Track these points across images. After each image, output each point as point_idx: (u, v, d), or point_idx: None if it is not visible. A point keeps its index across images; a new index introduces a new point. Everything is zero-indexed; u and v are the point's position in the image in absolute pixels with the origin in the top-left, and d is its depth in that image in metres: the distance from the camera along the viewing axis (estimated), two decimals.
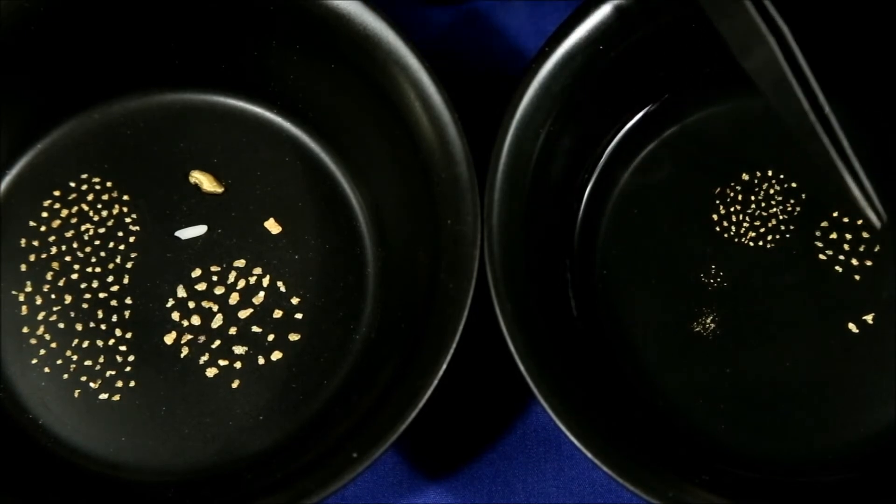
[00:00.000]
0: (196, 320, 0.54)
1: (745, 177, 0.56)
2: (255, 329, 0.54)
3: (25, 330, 0.54)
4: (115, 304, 0.54)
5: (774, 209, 0.55)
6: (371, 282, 0.54)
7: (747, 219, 0.55)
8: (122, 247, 0.55)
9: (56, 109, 0.56)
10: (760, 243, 0.55)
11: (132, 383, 0.53)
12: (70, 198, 0.55)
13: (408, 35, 0.51)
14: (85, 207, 0.55)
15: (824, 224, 0.55)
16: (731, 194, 0.56)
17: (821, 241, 0.55)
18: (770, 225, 0.55)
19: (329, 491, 0.46)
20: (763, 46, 0.47)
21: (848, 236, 0.55)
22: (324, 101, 0.55)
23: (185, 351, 0.53)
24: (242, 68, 0.56)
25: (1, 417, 0.52)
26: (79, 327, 0.54)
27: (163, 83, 0.56)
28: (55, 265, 0.55)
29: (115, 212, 0.55)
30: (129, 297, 0.54)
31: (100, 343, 0.54)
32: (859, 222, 0.55)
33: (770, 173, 0.56)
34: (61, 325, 0.54)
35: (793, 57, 0.48)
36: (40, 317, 0.54)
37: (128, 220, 0.55)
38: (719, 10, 0.48)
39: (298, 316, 0.54)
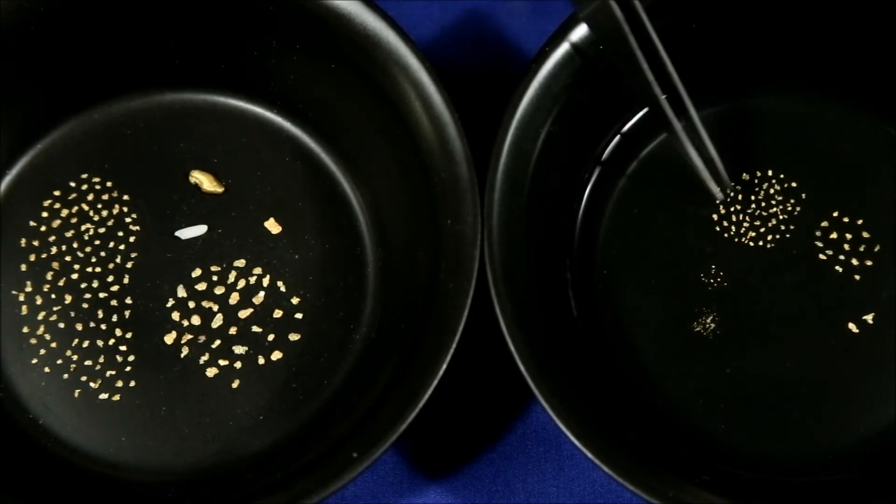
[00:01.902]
0: (196, 320, 0.54)
1: (745, 177, 0.56)
2: (255, 329, 0.54)
3: (25, 330, 0.54)
4: (115, 304, 0.54)
5: (774, 209, 0.55)
6: (371, 282, 0.54)
7: (747, 219, 0.55)
8: (122, 247, 0.55)
9: (56, 109, 0.56)
10: (760, 243, 0.55)
11: (132, 383, 0.53)
12: (70, 198, 0.56)
13: (408, 35, 0.51)
14: (85, 207, 0.55)
15: (824, 224, 0.55)
16: (732, 194, 0.56)
17: (821, 241, 0.55)
18: (770, 225, 0.55)
19: (329, 491, 0.46)
20: (605, 8, 0.48)
21: (848, 236, 0.55)
22: (324, 101, 0.55)
23: (185, 351, 0.53)
24: (242, 68, 0.56)
25: (1, 417, 0.52)
26: (79, 327, 0.54)
27: (163, 83, 0.56)
28: (55, 265, 0.55)
29: (115, 212, 0.55)
30: (129, 297, 0.54)
31: (100, 343, 0.54)
32: (859, 222, 0.55)
33: (770, 173, 0.56)
34: (61, 325, 0.54)
35: (636, 16, 0.49)
36: (40, 317, 0.54)
37: (128, 220, 0.55)
38: None
39: (298, 316, 0.54)
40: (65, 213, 0.55)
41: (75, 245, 0.55)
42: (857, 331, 0.53)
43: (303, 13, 0.52)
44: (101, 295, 0.54)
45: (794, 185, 0.56)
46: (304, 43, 0.53)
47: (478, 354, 0.54)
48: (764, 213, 0.55)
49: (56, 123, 0.56)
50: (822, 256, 0.54)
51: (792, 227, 0.55)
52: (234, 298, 0.54)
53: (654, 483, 0.47)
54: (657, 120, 0.52)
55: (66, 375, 0.53)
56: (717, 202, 0.54)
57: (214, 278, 0.55)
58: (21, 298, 0.54)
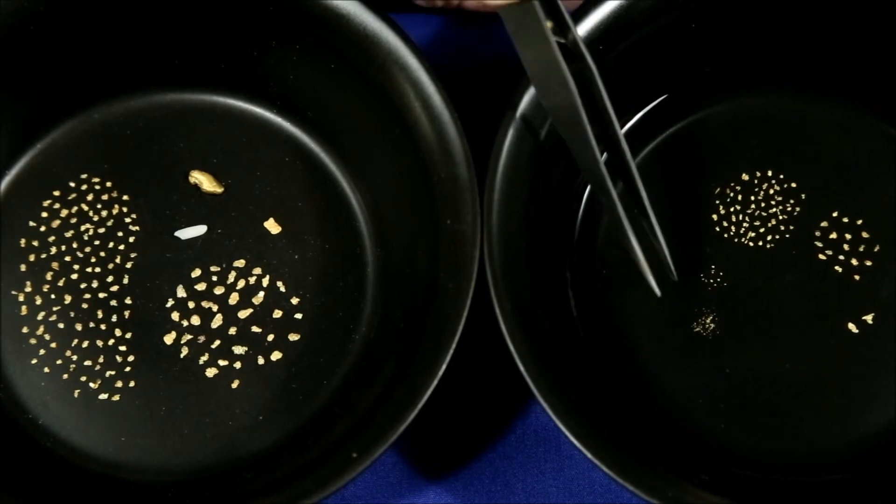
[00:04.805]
0: (196, 320, 0.54)
1: (745, 177, 0.56)
2: (255, 329, 0.54)
3: (25, 330, 0.54)
4: (115, 304, 0.54)
5: (774, 209, 0.55)
6: (371, 282, 0.54)
7: (747, 219, 0.55)
8: (122, 247, 0.55)
9: (56, 109, 0.56)
10: (760, 243, 0.55)
11: (132, 383, 0.53)
12: (70, 198, 0.56)
13: (407, 35, 0.51)
14: (85, 207, 0.55)
15: (824, 224, 0.55)
16: (731, 194, 0.56)
17: (821, 241, 0.55)
18: (770, 225, 0.55)
19: (329, 490, 0.46)
20: (562, 87, 0.47)
21: (848, 236, 0.55)
22: (323, 101, 0.55)
23: (184, 351, 0.53)
24: (242, 68, 0.56)
25: (1, 417, 0.52)
26: (79, 327, 0.54)
27: (163, 83, 0.57)
28: (55, 265, 0.55)
29: (115, 212, 0.55)
30: (129, 297, 0.54)
31: (100, 343, 0.54)
32: (859, 222, 0.55)
33: (770, 173, 0.56)
34: (61, 325, 0.54)
35: (597, 99, 0.48)
36: (40, 317, 0.54)
37: (128, 220, 0.55)
38: (524, 41, 0.47)
39: (298, 316, 0.54)
40: (64, 213, 0.55)
41: (75, 245, 0.55)
42: (857, 331, 0.53)
43: (302, 13, 0.52)
44: (101, 295, 0.54)
45: (793, 185, 0.56)
46: (304, 43, 0.53)
47: (478, 354, 0.54)
48: (764, 214, 0.55)
49: (56, 123, 0.56)
50: (821, 256, 0.54)
51: (792, 227, 0.55)
52: (234, 298, 0.54)
53: (654, 483, 0.47)
54: (602, 204, 0.50)
55: (65, 375, 0.53)
56: (657, 296, 0.52)
57: (214, 278, 0.55)
58: (21, 298, 0.54)
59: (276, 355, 0.53)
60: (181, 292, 0.54)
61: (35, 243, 0.55)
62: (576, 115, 0.47)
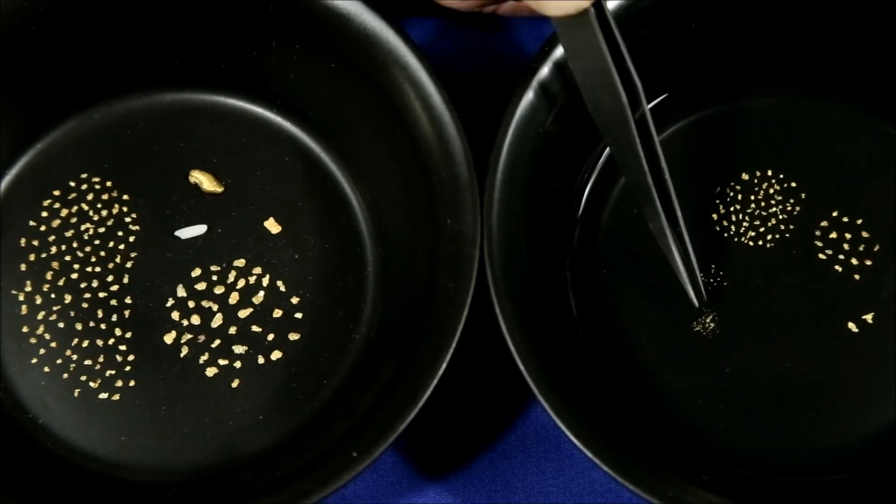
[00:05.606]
0: (196, 320, 0.54)
1: (745, 177, 0.56)
2: (255, 329, 0.54)
3: (25, 330, 0.54)
4: (115, 304, 0.54)
5: (774, 209, 0.55)
6: (371, 282, 0.54)
7: (747, 218, 0.55)
8: (122, 246, 0.55)
9: (56, 109, 0.56)
10: (760, 243, 0.55)
11: (132, 383, 0.53)
12: (70, 197, 0.56)
13: (407, 35, 0.51)
14: (85, 207, 0.55)
15: (824, 224, 0.55)
16: (731, 194, 0.56)
17: (821, 241, 0.55)
18: (770, 225, 0.55)
19: (329, 490, 0.46)
20: (614, 100, 0.47)
21: (848, 236, 0.55)
22: (324, 101, 0.55)
23: (184, 350, 0.53)
24: (242, 68, 0.56)
25: (1, 417, 0.52)
26: (79, 327, 0.54)
27: (163, 83, 0.57)
28: (55, 265, 0.55)
29: (115, 212, 0.55)
30: (129, 297, 0.54)
31: (100, 343, 0.54)
32: (859, 222, 0.55)
33: (770, 173, 0.56)
34: (61, 325, 0.54)
35: (643, 117, 0.48)
36: (40, 316, 0.54)
37: (128, 219, 0.55)
38: (577, 50, 0.47)
39: (298, 315, 0.54)
40: (65, 212, 0.55)
41: (75, 245, 0.55)
42: (857, 331, 0.53)
43: (303, 13, 0.52)
44: (101, 295, 0.54)
45: (793, 185, 0.56)
46: (304, 43, 0.53)
47: (478, 354, 0.54)
48: (764, 213, 0.55)
49: (56, 123, 0.56)
50: (821, 256, 0.54)
51: (791, 227, 0.55)
52: (234, 298, 0.54)
53: (654, 483, 0.47)
54: (644, 213, 0.51)
55: (65, 375, 0.53)
56: (696, 307, 0.54)
57: (214, 278, 0.55)
58: (21, 298, 0.54)
59: (276, 355, 0.54)
60: (181, 292, 0.54)
61: (35, 243, 0.55)
62: (625, 126, 0.48)
